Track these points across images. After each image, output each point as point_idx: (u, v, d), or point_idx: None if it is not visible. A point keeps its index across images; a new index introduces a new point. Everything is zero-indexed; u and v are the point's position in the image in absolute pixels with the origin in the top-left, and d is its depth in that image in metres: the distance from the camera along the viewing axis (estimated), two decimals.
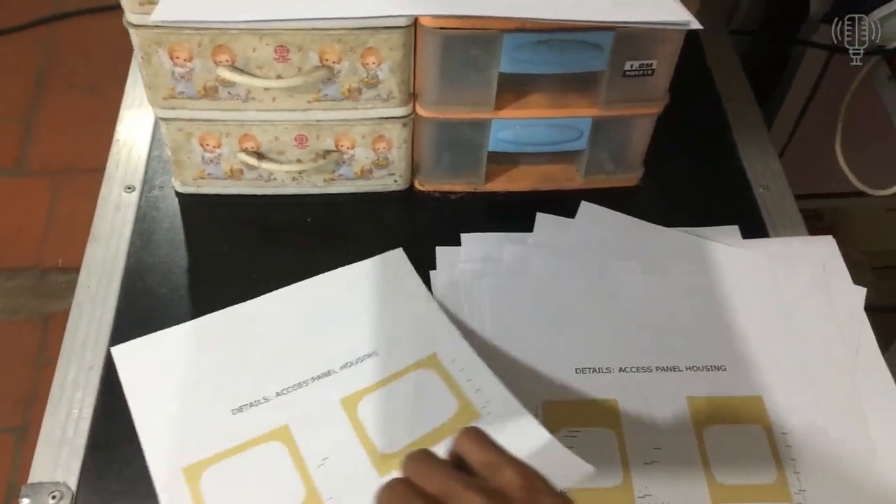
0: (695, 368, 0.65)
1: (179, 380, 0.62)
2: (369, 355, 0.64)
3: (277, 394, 0.61)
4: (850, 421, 0.62)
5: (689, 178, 0.79)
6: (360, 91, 0.67)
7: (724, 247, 0.72)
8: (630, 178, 0.77)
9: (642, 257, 0.71)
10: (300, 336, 0.65)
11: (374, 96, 0.67)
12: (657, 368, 0.65)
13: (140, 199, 0.74)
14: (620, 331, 0.67)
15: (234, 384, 0.62)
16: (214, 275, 0.70)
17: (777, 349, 0.66)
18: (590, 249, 0.72)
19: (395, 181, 0.75)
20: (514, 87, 0.69)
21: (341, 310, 0.67)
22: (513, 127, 0.71)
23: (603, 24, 0.53)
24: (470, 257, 0.71)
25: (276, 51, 0.63)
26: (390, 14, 0.44)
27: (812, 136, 1.04)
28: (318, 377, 0.62)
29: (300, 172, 0.72)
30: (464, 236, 0.72)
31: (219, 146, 0.70)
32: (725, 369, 0.65)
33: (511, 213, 0.75)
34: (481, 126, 0.71)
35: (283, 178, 0.73)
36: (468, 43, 0.64)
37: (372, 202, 0.75)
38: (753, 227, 0.74)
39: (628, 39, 0.64)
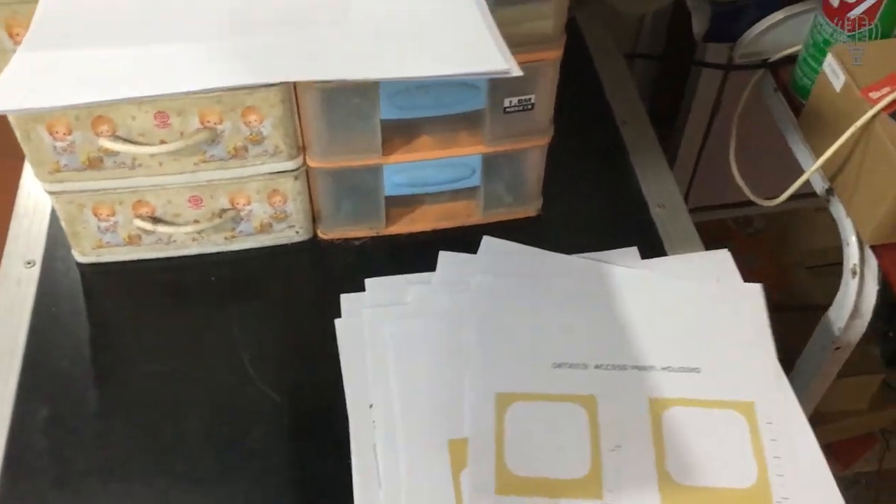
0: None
1: (515, 316, 0.67)
2: (692, 369, 0.65)
3: (597, 366, 0.64)
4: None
5: (589, 203, 0.80)
6: (246, 149, 0.67)
7: (620, 269, 0.73)
8: (529, 209, 0.78)
9: (541, 285, 0.72)
10: (634, 321, 0.67)
11: (261, 152, 0.68)
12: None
13: (41, 272, 0.74)
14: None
15: (563, 342, 0.66)
16: (118, 343, 0.70)
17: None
18: (492, 283, 0.73)
19: (297, 232, 0.76)
20: (401, 131, 0.70)
21: (681, 314, 0.69)
22: (405, 170, 0.72)
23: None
24: (374, 302, 0.72)
25: (155, 117, 0.64)
26: (205, 88, 0.45)
27: (720, 150, 1.06)
28: (638, 368, 0.65)
29: (199, 232, 0.73)
30: (367, 281, 0.73)
31: (113, 214, 0.70)
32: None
33: (416, 254, 0.76)
34: (374, 172, 0.72)
35: (183, 239, 0.73)
36: (348, 93, 0.65)
37: (276, 255, 0.76)
38: (653, 247, 0.76)
39: (502, 78, 0.65)
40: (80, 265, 0.74)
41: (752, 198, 0.80)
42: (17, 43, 0.59)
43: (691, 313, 0.70)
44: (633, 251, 0.75)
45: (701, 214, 1.27)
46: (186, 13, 0.48)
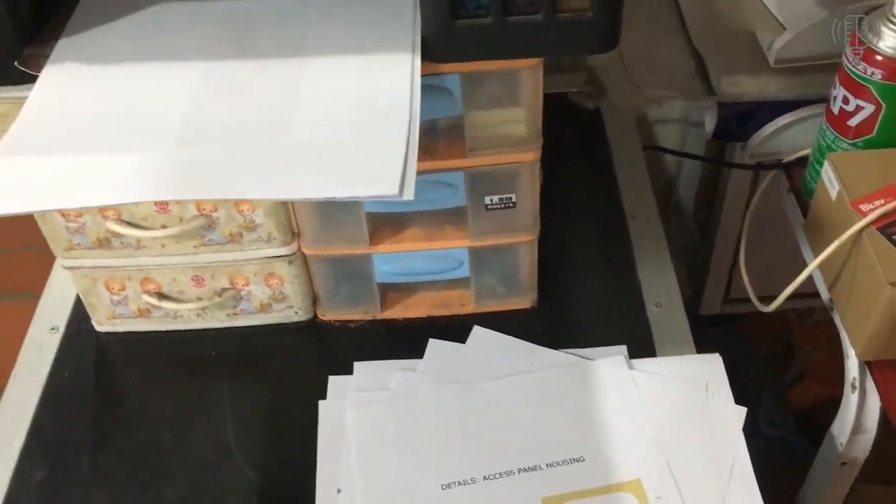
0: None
1: (396, 438, 0.67)
2: (577, 460, 0.66)
3: (485, 478, 0.65)
4: None
5: (587, 296, 0.80)
6: (241, 235, 0.72)
7: (604, 368, 0.72)
8: (523, 300, 0.79)
9: (522, 378, 0.73)
10: (513, 425, 0.68)
11: (256, 238, 0.72)
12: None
13: (63, 338, 0.80)
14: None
15: (447, 459, 0.66)
16: (119, 411, 0.75)
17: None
18: (475, 372, 0.74)
19: (296, 313, 0.79)
20: (390, 222, 0.73)
21: (558, 406, 0.69)
22: (394, 259, 0.74)
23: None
24: (360, 385, 0.74)
25: (156, 204, 0.69)
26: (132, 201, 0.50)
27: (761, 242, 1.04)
28: (525, 470, 0.65)
29: (203, 309, 0.77)
30: (356, 364, 0.75)
31: (123, 289, 0.76)
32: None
33: (409, 340, 0.77)
34: (364, 260, 0.74)
35: (188, 314, 0.78)
36: None
37: (276, 333, 0.79)
38: (643, 346, 0.75)
39: (479, 177, 0.68)
40: (98, 333, 0.80)
41: (753, 300, 0.78)
42: (69, 220, 0.68)
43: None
44: (622, 349, 0.75)
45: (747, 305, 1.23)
46: (142, 118, 0.53)
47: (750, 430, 0.68)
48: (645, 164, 0.92)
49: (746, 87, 0.80)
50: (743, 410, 0.69)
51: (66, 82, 0.56)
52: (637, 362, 0.73)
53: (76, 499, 0.68)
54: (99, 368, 0.78)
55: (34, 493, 0.68)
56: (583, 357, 0.74)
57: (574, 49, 0.58)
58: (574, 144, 0.93)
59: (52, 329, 0.80)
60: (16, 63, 0.56)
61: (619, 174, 0.90)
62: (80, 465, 0.70)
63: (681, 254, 1.01)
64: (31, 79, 0.58)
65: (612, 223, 0.85)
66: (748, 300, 0.82)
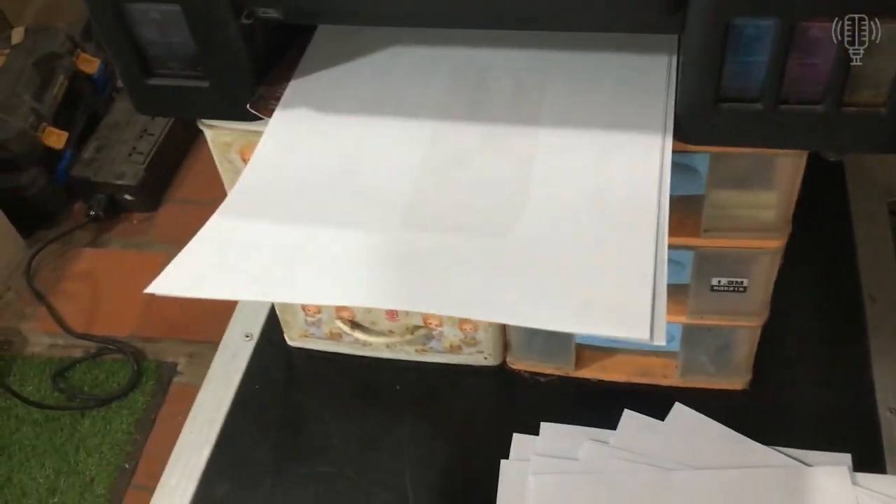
0: None
1: None
2: None
3: None
4: None
5: (807, 387, 0.72)
6: None
7: (823, 478, 0.64)
8: (734, 381, 0.72)
9: (725, 473, 0.66)
10: None
11: None
12: None
13: (255, 347, 0.80)
14: None
15: None
16: (303, 432, 0.74)
17: None
18: (673, 456, 0.68)
19: (486, 358, 0.76)
20: None
21: None
22: None
23: None
24: (545, 450, 0.70)
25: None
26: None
27: None
28: None
29: (392, 343, 0.75)
30: (543, 426, 0.71)
31: (319, 312, 0.75)
32: None
33: (602, 404, 0.72)
34: None
35: (378, 345, 0.76)
36: None
37: (462, 374, 0.76)
38: (870, 457, 0.66)
39: (711, 257, 0.61)
40: (289, 346, 0.80)
41: None
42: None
43: None
44: (846, 458, 0.66)
45: None
46: (370, 185, 0.50)
47: None
48: (891, 234, 0.81)
49: None
50: None
51: (294, 132, 0.54)
52: (863, 477, 0.65)
53: None
54: (287, 383, 0.78)
55: None
56: (798, 460, 0.66)
57: (856, 146, 0.50)
58: (807, 202, 0.83)
59: (247, 336, 0.81)
60: (248, 106, 0.55)
61: (860, 244, 0.80)
62: (263, 486, 0.71)
63: None
64: (259, 117, 0.57)
65: (846, 303, 0.76)
66: None
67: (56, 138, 1.68)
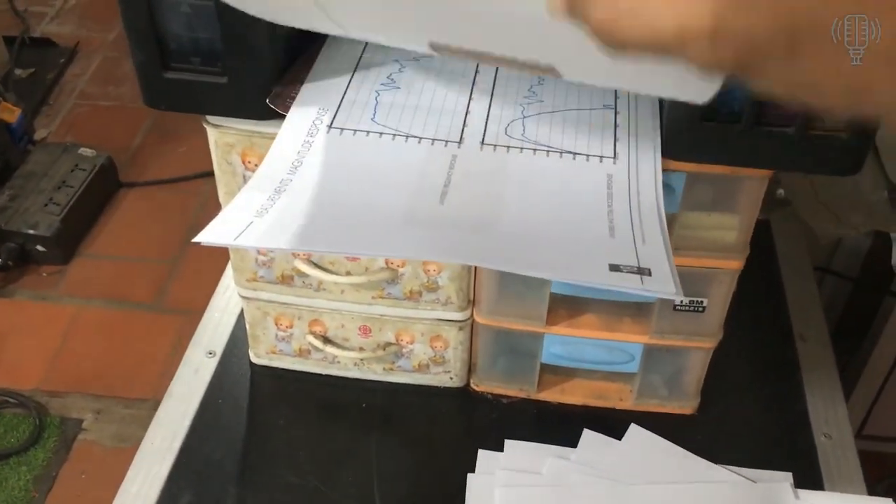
0: None
1: None
2: None
3: None
4: None
5: (749, 414, 0.77)
6: (420, 294, 0.72)
7: (769, 493, 0.69)
8: (685, 406, 0.77)
9: (680, 487, 0.70)
10: None
11: (433, 299, 0.72)
12: None
13: (218, 365, 0.80)
14: None
15: None
16: (268, 446, 0.74)
17: None
18: (630, 472, 0.71)
19: (451, 378, 0.78)
20: (568, 305, 0.72)
21: None
22: (565, 343, 0.73)
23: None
24: (509, 465, 0.72)
25: None
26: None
27: None
28: None
29: (361, 359, 0.77)
30: (507, 443, 0.74)
31: (291, 326, 0.76)
32: None
33: (560, 425, 0.76)
34: (534, 338, 0.73)
35: (346, 362, 0.78)
36: None
37: (427, 395, 0.79)
38: (809, 477, 0.71)
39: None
40: (253, 365, 0.80)
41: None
42: (248, 168, 0.68)
43: None
44: (787, 476, 0.71)
45: (881, 445, 1.18)
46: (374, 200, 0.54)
47: None
48: (815, 283, 0.89)
49: None
50: None
51: (311, 126, 0.57)
52: (804, 493, 0.70)
53: None
54: (252, 400, 0.78)
55: None
56: (744, 477, 0.71)
57: (819, 168, 0.57)
58: None
59: (210, 353, 0.81)
60: (267, 101, 0.58)
61: (789, 291, 0.88)
62: (227, 496, 0.70)
63: None
64: (271, 116, 0.60)
65: (779, 342, 0.83)
66: (882, 439, 0.77)
67: None
